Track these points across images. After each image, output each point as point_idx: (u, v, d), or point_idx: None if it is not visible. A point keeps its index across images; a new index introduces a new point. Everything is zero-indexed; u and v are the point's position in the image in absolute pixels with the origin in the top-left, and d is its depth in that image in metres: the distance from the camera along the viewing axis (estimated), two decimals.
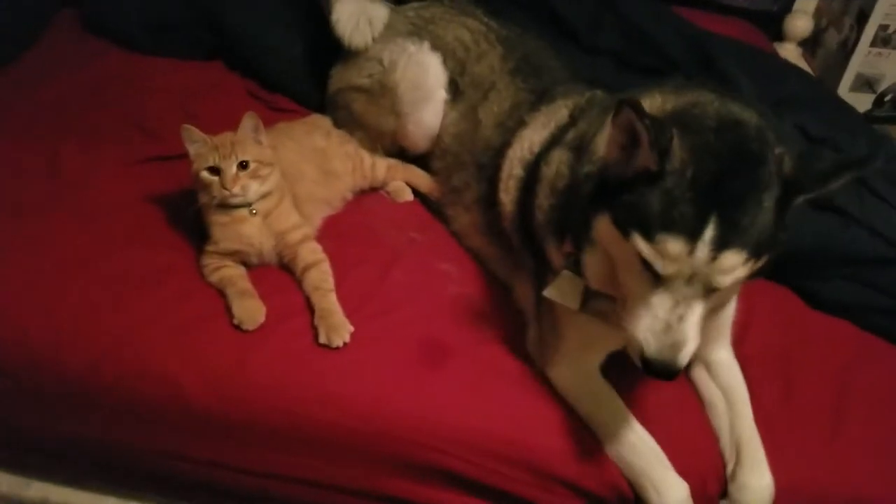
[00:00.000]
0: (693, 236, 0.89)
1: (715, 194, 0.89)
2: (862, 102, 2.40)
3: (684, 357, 0.93)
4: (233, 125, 1.28)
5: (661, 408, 1.20)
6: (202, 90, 1.71)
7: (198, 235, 1.28)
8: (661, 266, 0.91)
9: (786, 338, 1.34)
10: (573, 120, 1.27)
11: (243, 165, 1.23)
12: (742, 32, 2.14)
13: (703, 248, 0.89)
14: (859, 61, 2.39)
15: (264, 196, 1.27)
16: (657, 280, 0.93)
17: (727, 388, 1.21)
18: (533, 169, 1.25)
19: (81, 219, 1.29)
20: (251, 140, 1.27)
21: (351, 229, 1.44)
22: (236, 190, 1.22)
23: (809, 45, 2.55)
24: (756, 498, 1.11)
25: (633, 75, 1.86)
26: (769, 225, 0.92)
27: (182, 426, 1.13)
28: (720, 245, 0.89)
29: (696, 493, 1.12)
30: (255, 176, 1.25)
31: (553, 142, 1.25)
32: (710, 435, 1.18)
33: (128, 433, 1.15)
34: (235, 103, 1.69)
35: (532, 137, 1.30)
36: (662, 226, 0.90)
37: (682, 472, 1.12)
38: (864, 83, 2.46)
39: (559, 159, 1.19)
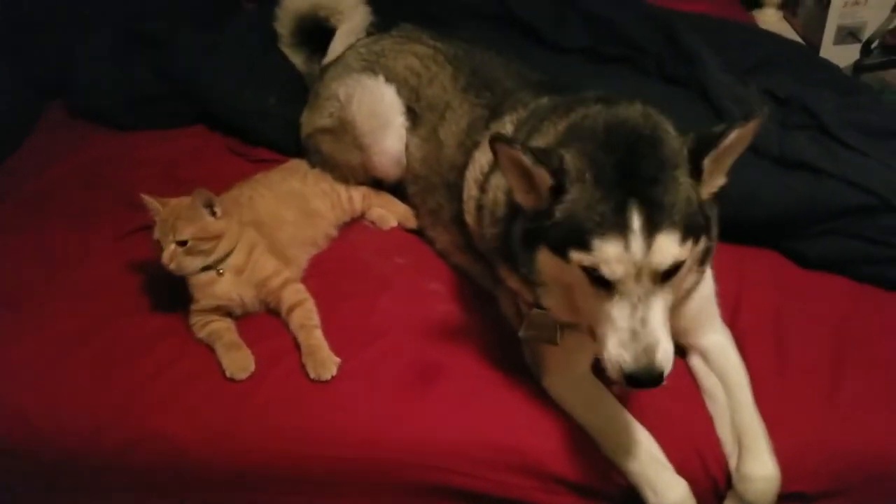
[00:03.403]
0: (622, 229, 0.91)
1: (624, 183, 0.93)
2: (850, 54, 2.37)
3: (662, 359, 0.93)
4: (216, 184, 1.33)
5: (664, 403, 1.18)
6: (186, 155, 1.77)
7: (185, 297, 1.32)
8: (607, 271, 0.93)
9: (779, 301, 1.33)
10: (515, 135, 1.28)
11: (181, 243, 1.26)
12: (718, 6, 2.16)
13: (637, 238, 0.91)
14: (837, 14, 2.36)
15: (227, 254, 1.30)
16: (609, 291, 0.94)
17: (723, 375, 1.19)
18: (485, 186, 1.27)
19: (75, 298, 1.35)
20: (198, 215, 1.29)
21: (337, 265, 1.47)
22: (172, 267, 1.26)
23: (790, 6, 2.53)
24: (759, 489, 1.07)
25: (602, 67, 1.88)
26: (693, 200, 0.95)
27: (186, 483, 1.17)
28: (651, 229, 0.91)
29: (705, 490, 1.11)
30: (192, 252, 1.27)
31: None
32: (713, 428, 1.16)
33: (139, 497, 1.19)
34: (218, 162, 1.75)
35: (481, 159, 1.32)
36: (591, 232, 0.93)
37: (689, 469, 1.11)
38: (848, 34, 2.42)
39: (496, 185, 1.21)
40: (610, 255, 0.92)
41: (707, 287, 1.22)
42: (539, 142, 1.10)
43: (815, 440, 1.12)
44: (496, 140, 0.96)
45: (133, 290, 1.39)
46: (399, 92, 1.54)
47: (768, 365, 1.22)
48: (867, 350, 1.24)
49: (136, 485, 1.18)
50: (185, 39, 1.89)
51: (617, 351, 0.94)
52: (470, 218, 1.33)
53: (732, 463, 1.11)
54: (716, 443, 1.14)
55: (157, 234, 1.26)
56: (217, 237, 1.30)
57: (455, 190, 1.41)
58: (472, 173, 1.33)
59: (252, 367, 1.22)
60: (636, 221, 0.91)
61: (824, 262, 1.40)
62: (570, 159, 0.96)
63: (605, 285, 0.94)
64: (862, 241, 1.37)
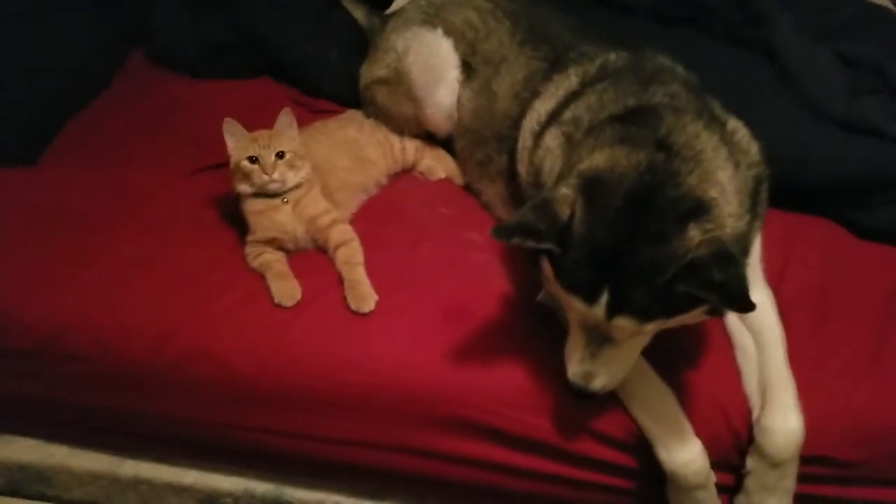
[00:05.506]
0: (590, 300, 0.97)
1: (611, 266, 0.95)
2: None
3: (595, 386, 1.05)
4: None
5: (692, 358, 1.20)
6: (251, 104, 1.84)
7: (243, 231, 1.41)
8: (572, 314, 1.04)
9: (828, 270, 1.31)
10: (581, 88, 1.29)
11: (280, 155, 1.35)
12: None
13: (599, 310, 0.98)
14: None
15: (297, 185, 1.39)
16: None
17: (758, 332, 1.18)
18: (538, 141, 1.28)
19: (143, 228, 1.45)
20: (287, 134, 1.39)
21: (382, 211, 1.53)
22: (276, 176, 1.34)
23: None
24: (778, 442, 1.07)
25: (667, 29, 1.84)
26: (669, 294, 0.94)
27: (235, 398, 1.25)
28: (613, 310, 0.97)
29: (728, 447, 1.12)
30: (291, 165, 1.37)
31: (556, 113, 1.27)
32: (740, 384, 1.16)
33: (190, 407, 1.29)
34: (281, 111, 1.84)
35: (540, 109, 1.33)
36: (568, 285, 0.99)
37: (712, 424, 1.12)
38: None
39: (546, 146, 1.22)
40: (575, 307, 1.00)
41: (756, 247, 1.20)
42: (582, 160, 1.07)
43: (848, 407, 1.11)
44: (495, 235, 0.99)
45: (196, 223, 1.48)
46: (456, 46, 1.56)
47: (809, 330, 1.20)
48: None
49: (191, 398, 1.28)
50: None
51: (568, 360, 1.08)
52: (522, 168, 1.35)
53: (755, 415, 1.11)
54: (741, 399, 1.14)
55: (251, 152, 1.34)
56: (303, 157, 1.38)
57: (507, 142, 1.43)
58: (529, 123, 1.35)
59: (298, 296, 1.29)
60: (603, 300, 0.97)
61: (881, 233, 1.35)
62: (578, 218, 0.97)
63: None
64: None
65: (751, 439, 1.11)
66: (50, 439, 1.40)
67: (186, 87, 1.93)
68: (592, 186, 0.99)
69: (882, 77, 1.50)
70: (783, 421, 1.07)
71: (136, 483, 1.38)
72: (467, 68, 1.55)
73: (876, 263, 1.32)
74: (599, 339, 1.02)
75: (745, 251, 1.07)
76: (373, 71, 1.68)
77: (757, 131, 1.19)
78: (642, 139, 1.03)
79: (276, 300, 1.29)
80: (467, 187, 1.60)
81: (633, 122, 1.08)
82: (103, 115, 1.83)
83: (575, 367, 1.05)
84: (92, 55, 1.92)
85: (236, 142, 1.36)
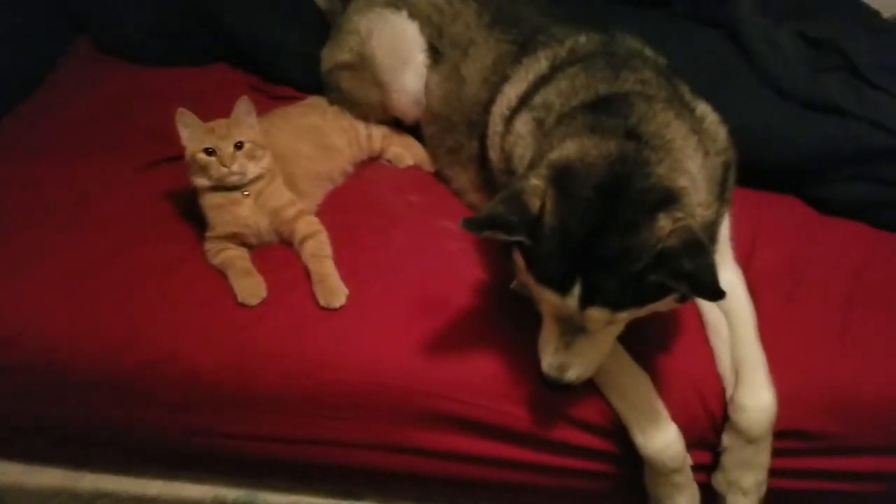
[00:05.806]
0: (562, 292, 0.96)
1: (583, 258, 0.94)
2: None
3: (570, 377, 1.05)
4: None
5: (666, 340, 1.20)
6: (208, 91, 1.77)
7: (203, 226, 1.34)
8: (544, 305, 1.03)
9: (796, 246, 1.32)
10: (552, 72, 1.26)
11: (239, 146, 1.28)
12: None
13: (572, 302, 0.97)
14: None
15: (259, 177, 1.32)
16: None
17: (729, 311, 1.19)
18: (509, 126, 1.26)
19: (97, 225, 1.37)
20: (245, 123, 1.32)
21: (351, 200, 1.48)
22: (235, 167, 1.27)
23: None
24: (752, 418, 1.09)
25: (638, 10, 1.84)
26: (640, 284, 0.94)
27: (201, 403, 1.20)
28: (585, 301, 0.96)
29: (705, 428, 1.13)
30: (251, 156, 1.30)
31: (526, 98, 1.24)
32: (714, 365, 1.17)
33: (154, 415, 1.23)
34: (238, 99, 1.76)
35: (510, 93, 1.30)
36: (540, 277, 0.98)
37: (688, 406, 1.13)
38: None
39: (517, 132, 1.20)
40: (547, 298, 0.99)
41: (722, 230, 1.20)
42: (552, 148, 1.05)
43: (820, 380, 1.13)
44: (465, 227, 0.96)
45: (153, 219, 1.41)
46: (421, 29, 1.52)
47: (779, 306, 1.21)
48: (881, 296, 1.24)
49: (154, 404, 1.22)
50: None
51: (541, 352, 1.07)
52: (494, 153, 1.32)
53: (729, 393, 1.12)
54: (716, 380, 1.15)
55: (207, 143, 1.26)
56: (263, 147, 1.32)
57: (477, 127, 1.40)
58: (499, 108, 1.32)
59: (263, 294, 1.24)
60: (575, 291, 0.96)
61: (845, 209, 1.38)
62: (549, 210, 0.96)
63: None
64: (884, 185, 1.35)
65: (726, 417, 1.12)
66: (0, 457, 1.32)
67: (137, 74, 1.84)
68: (563, 177, 0.98)
69: (842, 55, 1.52)
70: (756, 398, 1.09)
71: (96, 497, 1.32)
72: (434, 52, 1.51)
73: (841, 239, 1.35)
74: (573, 329, 1.02)
75: (713, 238, 1.08)
76: (335, 55, 1.62)
77: (724, 112, 1.20)
78: (613, 128, 1.03)
79: (240, 299, 1.23)
80: (437, 174, 1.57)
81: (604, 111, 1.07)
82: (47, 105, 1.73)
83: (549, 359, 1.05)
84: (32, 42, 1.81)
85: (191, 133, 1.29)
